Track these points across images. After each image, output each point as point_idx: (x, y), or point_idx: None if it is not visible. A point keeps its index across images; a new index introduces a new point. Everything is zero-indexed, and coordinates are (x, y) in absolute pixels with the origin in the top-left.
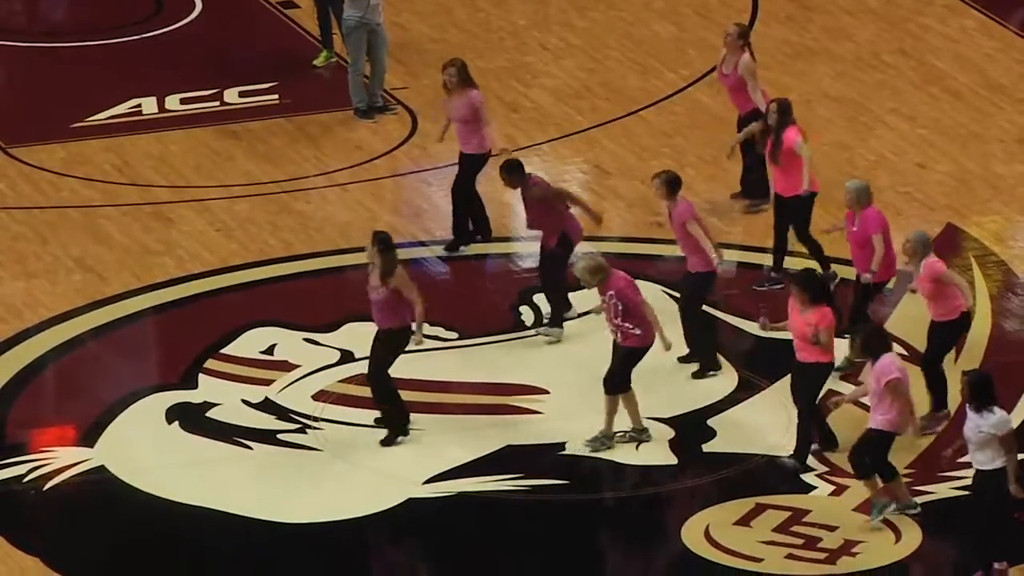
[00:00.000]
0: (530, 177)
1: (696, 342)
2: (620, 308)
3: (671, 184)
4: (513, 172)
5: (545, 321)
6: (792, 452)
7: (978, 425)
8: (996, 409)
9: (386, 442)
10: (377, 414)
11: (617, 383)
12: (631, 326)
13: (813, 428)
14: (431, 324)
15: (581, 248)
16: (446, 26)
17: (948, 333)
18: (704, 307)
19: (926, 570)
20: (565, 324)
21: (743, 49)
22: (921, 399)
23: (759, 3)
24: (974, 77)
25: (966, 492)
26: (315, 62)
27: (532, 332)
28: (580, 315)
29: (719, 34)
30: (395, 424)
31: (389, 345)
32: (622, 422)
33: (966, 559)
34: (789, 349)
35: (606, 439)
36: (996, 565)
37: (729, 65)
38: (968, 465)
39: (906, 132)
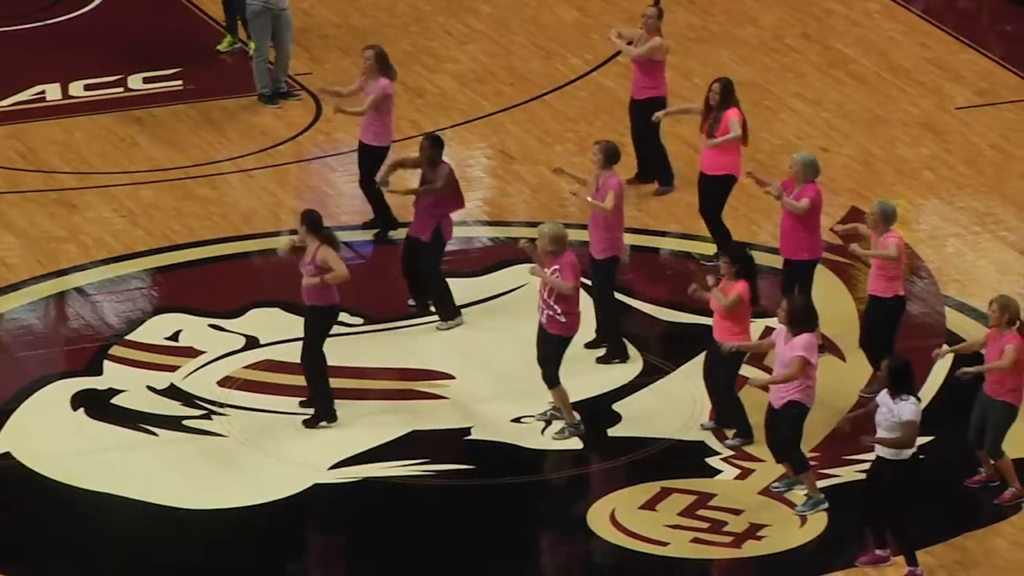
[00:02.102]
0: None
1: (607, 329)
2: (555, 289)
3: (609, 154)
4: (436, 146)
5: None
6: (734, 434)
7: (891, 411)
8: (910, 397)
9: (310, 423)
10: (291, 399)
11: (551, 375)
12: (559, 310)
13: (735, 403)
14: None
15: (480, 233)
16: (350, 11)
17: (884, 311)
18: (614, 294)
19: (831, 554)
20: (468, 310)
21: (659, 31)
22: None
23: None
24: (878, 61)
25: (864, 476)
26: (219, 47)
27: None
28: (485, 300)
29: (622, 19)
30: (322, 407)
31: (317, 323)
32: (537, 404)
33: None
34: (694, 334)
35: (573, 427)
36: (878, 551)
37: (641, 43)
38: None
39: (810, 116)
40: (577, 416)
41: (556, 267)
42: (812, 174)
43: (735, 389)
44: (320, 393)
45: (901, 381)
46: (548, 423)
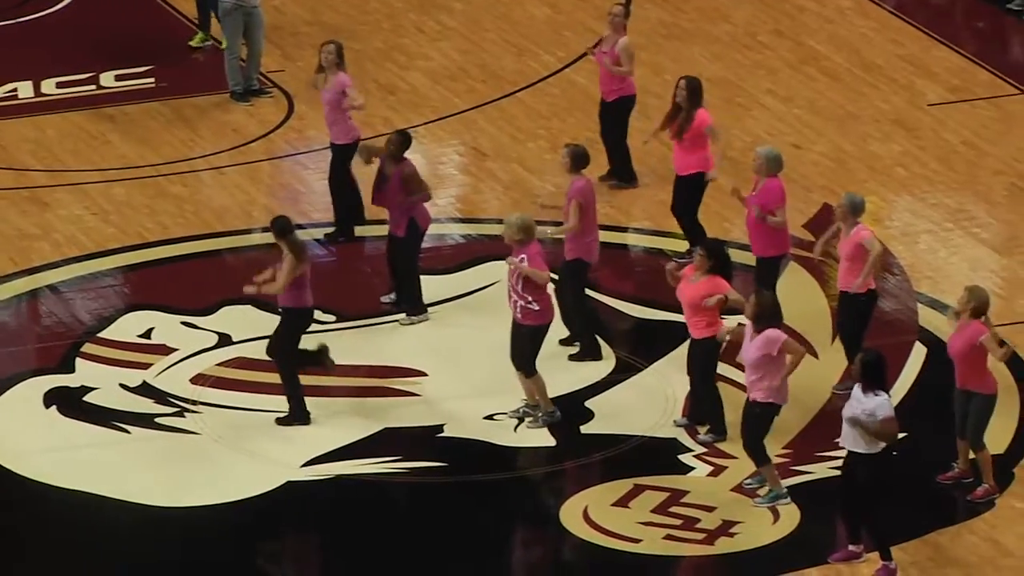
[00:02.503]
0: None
1: (579, 328)
2: (524, 277)
3: (577, 158)
4: (405, 144)
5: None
6: (707, 429)
7: (861, 404)
8: (881, 392)
9: (283, 421)
10: (263, 396)
11: (527, 364)
12: (531, 299)
13: (712, 398)
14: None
15: (453, 230)
16: (322, 8)
17: (857, 305)
18: (585, 292)
19: (804, 550)
20: (440, 307)
21: (624, 29)
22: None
23: None
24: (850, 57)
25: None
26: (191, 43)
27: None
28: (457, 297)
29: (595, 16)
30: (296, 407)
31: (289, 323)
32: (510, 399)
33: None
34: (666, 331)
35: (548, 414)
36: (851, 547)
37: (608, 44)
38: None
39: (782, 113)
40: (553, 406)
41: (523, 256)
42: (775, 168)
43: (713, 384)
44: (294, 393)
45: (874, 376)
46: (520, 420)
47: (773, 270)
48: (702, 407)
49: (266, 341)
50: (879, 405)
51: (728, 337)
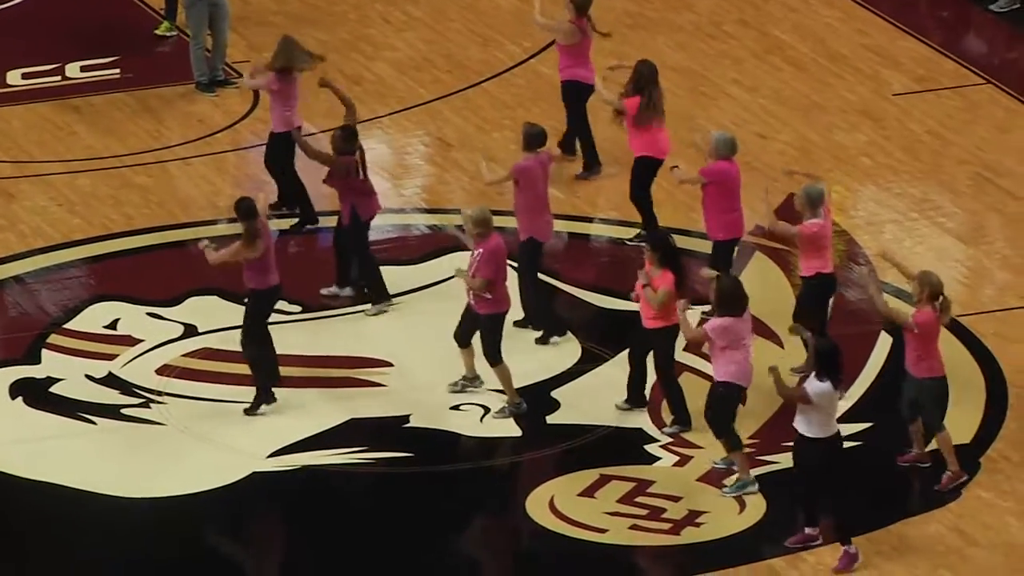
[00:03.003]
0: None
1: (536, 310)
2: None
3: (528, 137)
4: (351, 138)
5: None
6: (672, 420)
7: (811, 387)
8: (827, 381)
9: (249, 410)
10: (229, 387)
11: (493, 354)
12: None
13: (671, 387)
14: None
15: (418, 220)
16: None
17: (813, 289)
18: (539, 275)
19: (770, 540)
20: (406, 297)
21: (574, 15)
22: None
23: None
24: (815, 47)
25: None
26: (157, 31)
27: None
28: (423, 287)
29: (560, 5)
30: (263, 387)
31: (255, 305)
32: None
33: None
34: (632, 320)
35: (514, 405)
36: (808, 530)
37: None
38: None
39: (747, 102)
40: (519, 397)
41: (479, 251)
42: (727, 151)
43: (674, 375)
44: (263, 374)
45: (828, 363)
46: (461, 391)
47: (728, 253)
48: (669, 396)
49: (233, 332)
50: (820, 391)
51: (688, 309)
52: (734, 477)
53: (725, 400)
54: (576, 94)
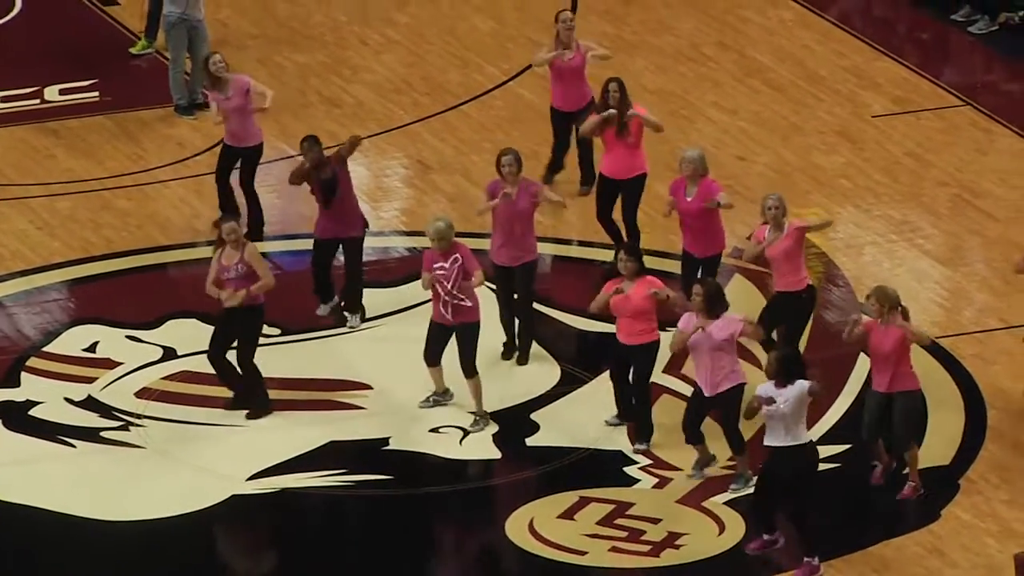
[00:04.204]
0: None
1: (524, 333)
2: (461, 275)
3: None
4: (315, 146)
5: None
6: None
7: (785, 398)
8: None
9: (252, 415)
10: (209, 410)
11: (470, 365)
12: (463, 297)
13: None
14: None
15: (397, 243)
16: (266, 21)
17: (793, 305)
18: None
19: (749, 562)
20: (385, 319)
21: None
22: None
23: None
24: (793, 69)
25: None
26: (132, 49)
27: (358, 328)
28: (403, 310)
29: (538, 28)
30: (257, 399)
31: (247, 324)
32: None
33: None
34: (611, 343)
35: (482, 419)
36: (766, 536)
37: (570, 53)
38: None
39: (727, 125)
40: (485, 409)
41: (456, 256)
42: (706, 169)
43: (649, 391)
44: (260, 387)
45: (790, 370)
46: (432, 407)
47: (714, 270)
48: (635, 409)
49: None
50: (796, 386)
51: (668, 295)
52: (740, 477)
53: (736, 403)
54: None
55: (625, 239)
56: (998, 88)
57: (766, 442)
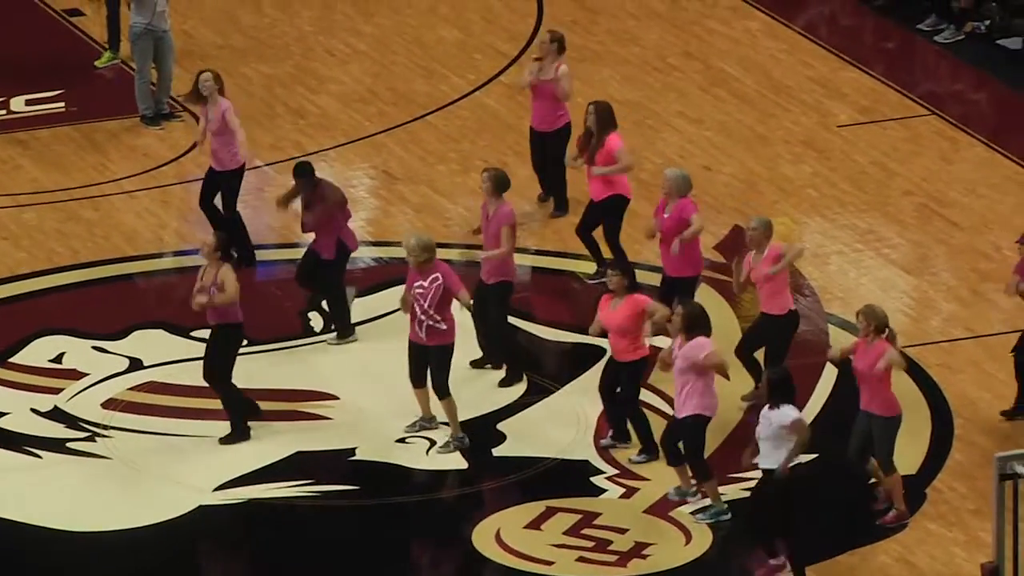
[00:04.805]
0: (321, 181)
1: (503, 352)
2: (439, 296)
3: (499, 182)
4: (306, 175)
5: (333, 333)
6: (639, 451)
7: (770, 421)
8: (788, 406)
9: (226, 440)
10: (175, 421)
11: (443, 386)
12: (439, 319)
13: (640, 419)
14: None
15: (363, 253)
16: (231, 32)
17: (778, 329)
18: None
19: (716, 571)
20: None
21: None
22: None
23: (543, 7)
24: (759, 79)
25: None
26: (97, 63)
27: (321, 338)
28: (370, 320)
29: (504, 38)
30: (238, 423)
31: (224, 341)
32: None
33: (755, 559)
34: (577, 353)
35: (458, 439)
36: (772, 561)
37: (548, 72)
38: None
39: (692, 135)
40: (462, 431)
41: (436, 275)
42: (685, 189)
43: (639, 404)
44: (238, 410)
45: (782, 392)
46: (418, 432)
47: (689, 291)
48: (621, 426)
49: (178, 366)
50: (787, 412)
51: (655, 313)
52: (706, 503)
53: (695, 431)
54: (567, 139)
55: (605, 256)
56: (964, 97)
57: (760, 464)
